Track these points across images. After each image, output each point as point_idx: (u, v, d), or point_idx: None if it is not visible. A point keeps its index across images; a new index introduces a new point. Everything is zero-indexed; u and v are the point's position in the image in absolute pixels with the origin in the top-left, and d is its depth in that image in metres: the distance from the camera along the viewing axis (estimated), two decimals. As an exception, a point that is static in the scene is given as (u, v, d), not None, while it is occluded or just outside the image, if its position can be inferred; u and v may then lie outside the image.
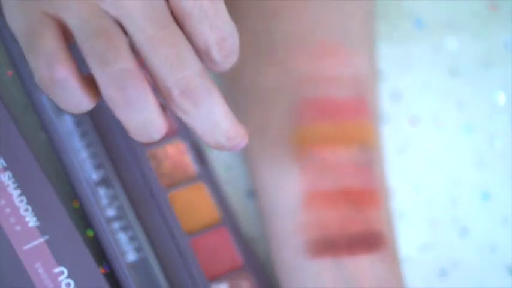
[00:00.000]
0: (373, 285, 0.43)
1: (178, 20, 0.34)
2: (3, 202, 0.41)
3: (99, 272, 0.41)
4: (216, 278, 0.45)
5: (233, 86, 0.47)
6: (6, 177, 0.41)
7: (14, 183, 0.41)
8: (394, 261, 0.45)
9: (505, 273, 0.51)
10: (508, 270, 0.51)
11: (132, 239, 0.43)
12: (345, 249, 0.44)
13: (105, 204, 0.43)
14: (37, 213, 0.41)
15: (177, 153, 0.47)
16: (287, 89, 0.45)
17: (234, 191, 0.49)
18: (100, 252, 0.43)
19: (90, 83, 0.34)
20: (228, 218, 0.46)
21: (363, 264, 0.44)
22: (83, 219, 0.44)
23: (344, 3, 0.46)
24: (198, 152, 0.47)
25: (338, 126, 0.46)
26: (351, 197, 0.45)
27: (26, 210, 0.41)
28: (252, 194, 0.49)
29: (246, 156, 0.47)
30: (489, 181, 0.52)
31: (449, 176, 0.52)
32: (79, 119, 0.44)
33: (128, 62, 0.33)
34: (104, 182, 0.44)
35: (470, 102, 0.53)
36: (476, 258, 0.51)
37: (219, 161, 0.49)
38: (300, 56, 0.46)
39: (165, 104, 0.45)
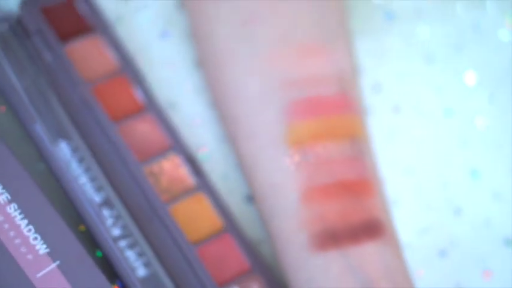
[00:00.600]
0: (380, 271, 0.45)
1: None
2: (12, 233, 0.41)
3: (113, 289, 0.42)
4: (226, 283, 0.46)
5: (220, 96, 0.48)
6: (12, 209, 0.42)
7: (20, 214, 0.42)
8: (396, 246, 0.46)
9: (502, 245, 0.52)
10: (505, 242, 0.52)
11: (140, 254, 0.44)
12: (348, 239, 0.45)
13: (111, 224, 0.44)
14: (46, 240, 0.42)
15: (173, 168, 0.48)
16: (274, 94, 0.47)
17: (233, 198, 0.50)
18: (111, 271, 0.44)
19: None
20: (230, 224, 0.47)
21: (367, 252, 0.45)
22: (91, 241, 0.44)
23: (319, 1, 0.48)
24: (194, 164, 0.48)
25: (327, 123, 0.47)
26: (347, 189, 0.46)
27: (35, 238, 0.42)
28: (251, 198, 0.50)
29: (241, 162, 0.48)
30: (476, 159, 0.53)
31: (437, 159, 0.53)
32: (75, 145, 0.45)
33: None
34: (107, 203, 0.45)
35: (447, 86, 0.54)
36: (473, 235, 0.52)
37: (215, 171, 0.50)
38: (281, 60, 0.47)
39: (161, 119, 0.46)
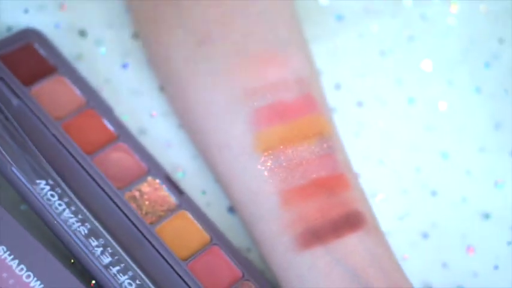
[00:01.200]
0: (366, 259, 0.46)
1: None
2: (5, 275, 0.42)
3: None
4: (222, 294, 0.47)
5: (187, 115, 0.50)
6: (2, 252, 0.43)
7: (10, 255, 0.43)
8: (378, 234, 0.48)
9: (481, 220, 0.54)
10: (483, 217, 0.54)
11: (134, 278, 0.45)
12: (331, 234, 0.46)
13: (100, 253, 0.45)
14: (40, 277, 0.43)
15: (153, 190, 0.49)
16: (238, 105, 0.48)
17: (215, 211, 0.51)
18: (107, 298, 0.45)
19: None
20: (216, 236, 0.48)
21: (351, 243, 0.46)
22: (83, 271, 0.45)
23: (268, 11, 0.49)
24: (173, 183, 0.49)
25: (293, 126, 0.48)
26: (322, 186, 0.47)
27: (28, 276, 0.43)
28: (232, 209, 0.51)
29: (217, 175, 0.50)
30: (444, 141, 0.55)
31: (406, 146, 0.55)
32: (54, 182, 0.46)
33: None
34: (93, 233, 0.46)
35: (406, 76, 0.56)
36: (451, 214, 0.54)
37: (194, 188, 0.51)
38: (240, 72, 0.48)
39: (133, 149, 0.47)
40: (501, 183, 0.54)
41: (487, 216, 0.54)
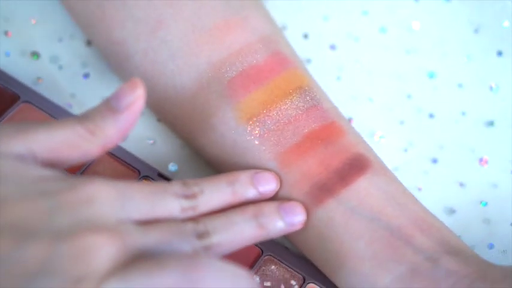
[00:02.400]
0: (381, 199, 0.44)
1: None
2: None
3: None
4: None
5: (164, 107, 0.48)
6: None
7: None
8: (386, 172, 0.46)
9: (486, 128, 0.52)
10: (486, 124, 0.52)
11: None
12: (339, 184, 0.44)
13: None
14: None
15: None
16: (210, 81, 0.46)
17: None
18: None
19: None
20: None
21: (361, 187, 0.44)
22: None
23: None
24: (167, 179, 0.47)
25: (270, 87, 0.46)
26: (317, 139, 0.46)
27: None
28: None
29: (208, 159, 0.48)
30: (428, 61, 0.53)
31: (391, 76, 0.53)
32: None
33: None
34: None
35: (371, 6, 0.54)
36: (455, 131, 0.52)
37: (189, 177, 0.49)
38: (203, 48, 0.46)
39: None
40: (496, 87, 0.53)
41: (491, 123, 0.52)
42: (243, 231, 0.42)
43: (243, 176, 0.44)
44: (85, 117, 0.41)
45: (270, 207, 0.44)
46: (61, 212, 0.37)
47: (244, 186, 0.44)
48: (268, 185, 0.44)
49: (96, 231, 0.37)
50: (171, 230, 0.40)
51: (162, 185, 0.42)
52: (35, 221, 0.37)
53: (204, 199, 0.42)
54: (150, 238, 0.39)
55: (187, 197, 0.42)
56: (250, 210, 0.43)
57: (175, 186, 0.42)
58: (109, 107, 0.41)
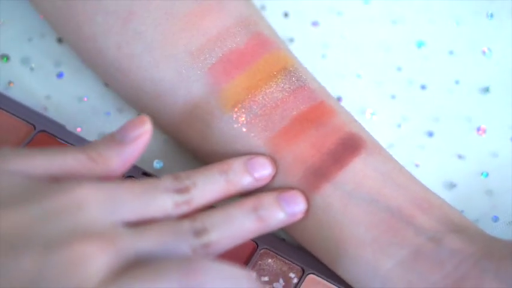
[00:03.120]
0: (378, 180, 0.42)
1: None
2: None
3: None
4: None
5: (143, 101, 0.46)
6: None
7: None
8: (381, 151, 0.44)
9: (481, 95, 0.50)
10: (481, 91, 0.50)
11: None
12: (333, 166, 0.42)
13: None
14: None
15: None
16: (189, 71, 0.44)
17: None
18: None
19: None
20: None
21: (357, 169, 0.42)
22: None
23: None
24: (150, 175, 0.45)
25: (253, 70, 0.44)
26: (307, 120, 0.43)
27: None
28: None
29: (195, 151, 0.46)
30: (415, 29, 0.51)
31: (379, 49, 0.51)
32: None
33: None
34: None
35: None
36: (450, 101, 0.50)
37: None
38: (179, 36, 0.44)
39: None
40: (488, 51, 0.50)
41: (486, 89, 0.50)
42: (243, 225, 0.40)
43: (236, 164, 0.42)
44: (88, 146, 0.40)
45: (269, 198, 0.42)
46: (50, 220, 0.36)
47: (239, 174, 0.42)
48: (263, 170, 0.42)
49: (87, 239, 0.35)
50: (166, 230, 0.38)
51: (152, 182, 0.40)
52: (24, 231, 0.35)
53: (198, 192, 0.40)
54: (145, 241, 0.37)
55: (180, 191, 0.40)
56: (249, 202, 0.41)
57: (166, 181, 0.40)
58: (114, 139, 0.40)
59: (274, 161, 0.43)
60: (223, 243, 0.39)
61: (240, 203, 0.41)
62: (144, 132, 0.40)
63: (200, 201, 0.40)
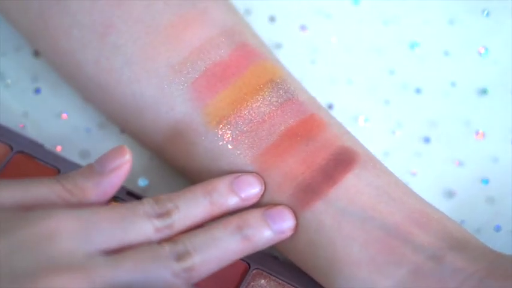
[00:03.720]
0: (372, 196, 0.40)
1: None
2: None
3: None
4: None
5: (125, 117, 0.44)
6: None
7: None
8: (375, 164, 0.42)
9: (478, 97, 0.48)
10: (479, 92, 0.48)
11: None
12: (324, 183, 0.40)
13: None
14: None
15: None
16: (171, 87, 0.42)
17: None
18: None
19: None
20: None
21: (350, 185, 0.40)
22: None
23: None
24: (137, 197, 0.43)
25: (238, 83, 0.42)
26: (296, 135, 0.41)
27: None
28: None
29: (181, 169, 0.44)
30: (408, 29, 0.49)
31: (370, 51, 0.49)
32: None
33: None
34: None
35: None
36: (446, 104, 0.48)
37: (162, 190, 0.45)
38: (159, 50, 0.42)
39: None
40: (485, 51, 0.48)
41: (484, 91, 0.48)
42: (228, 246, 0.38)
43: (221, 184, 0.40)
44: (64, 177, 0.38)
45: (255, 215, 0.40)
46: (19, 252, 0.34)
47: (224, 195, 0.40)
48: (251, 189, 0.40)
49: (59, 272, 0.34)
50: (145, 256, 0.36)
51: (131, 207, 0.38)
52: None
53: (180, 216, 0.38)
54: (122, 269, 0.35)
55: (161, 215, 0.38)
56: (233, 221, 0.39)
57: (146, 206, 0.38)
58: (92, 169, 0.38)
59: (262, 179, 0.41)
60: (208, 266, 0.38)
61: (224, 223, 0.39)
62: (124, 163, 0.38)
63: (182, 225, 0.39)
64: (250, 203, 0.40)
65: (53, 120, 0.46)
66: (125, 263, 0.35)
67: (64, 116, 0.46)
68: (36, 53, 0.47)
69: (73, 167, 0.44)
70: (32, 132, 0.46)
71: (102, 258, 0.35)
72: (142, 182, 0.45)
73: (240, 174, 0.41)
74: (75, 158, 0.45)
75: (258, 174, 0.41)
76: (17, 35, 0.47)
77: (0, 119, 0.46)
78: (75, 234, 0.35)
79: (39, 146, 0.45)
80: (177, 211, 0.38)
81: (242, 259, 0.42)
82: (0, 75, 0.47)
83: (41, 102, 0.47)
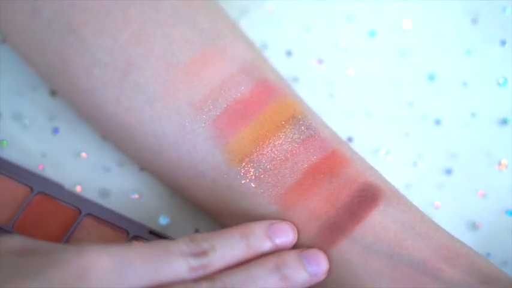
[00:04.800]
0: (399, 232, 0.40)
1: None
2: None
3: None
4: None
5: (146, 156, 0.43)
6: None
7: None
8: (400, 199, 0.41)
9: (499, 127, 0.47)
10: (499, 123, 0.47)
11: None
12: (349, 221, 0.40)
13: None
14: None
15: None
16: (192, 125, 0.42)
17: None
18: None
19: None
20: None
21: (376, 221, 0.40)
22: None
23: (180, 9, 0.42)
24: (159, 236, 0.43)
25: (261, 120, 0.42)
26: (319, 173, 0.41)
27: None
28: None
29: (202, 207, 0.43)
30: (425, 61, 0.49)
31: (388, 84, 0.48)
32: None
33: None
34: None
35: (356, 11, 0.49)
36: (467, 134, 0.48)
37: (184, 231, 0.45)
38: (179, 89, 0.42)
39: None
40: (503, 80, 0.48)
41: (504, 121, 0.47)
42: (266, 285, 0.38)
43: (258, 229, 0.40)
44: None
45: (292, 256, 0.39)
46: None
47: (260, 240, 0.39)
48: (285, 237, 0.40)
49: None
50: None
51: (165, 244, 0.37)
52: None
53: (216, 256, 0.38)
54: None
55: (197, 255, 0.37)
56: (272, 260, 0.39)
57: (181, 244, 0.38)
58: None
59: (295, 228, 0.40)
60: None
61: (262, 262, 0.39)
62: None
63: (218, 265, 0.38)
64: (283, 249, 0.40)
65: (72, 159, 0.46)
66: None
67: (83, 155, 0.46)
68: (53, 92, 0.47)
69: (93, 206, 0.44)
70: (51, 172, 0.45)
71: None
72: (163, 221, 0.45)
73: (275, 221, 0.40)
74: (95, 197, 0.45)
75: (279, 215, 0.41)
76: (33, 74, 0.47)
77: (20, 160, 0.45)
78: (109, 272, 0.35)
79: (59, 187, 0.44)
80: (213, 251, 0.38)
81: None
82: (17, 115, 0.47)
83: (59, 142, 0.46)
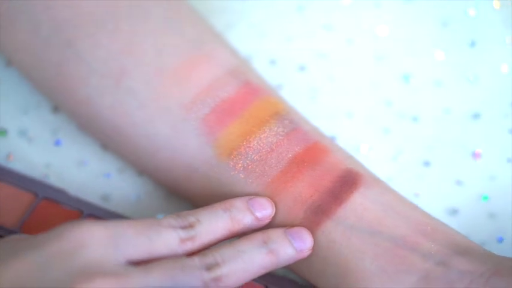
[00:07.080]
0: (379, 212, 0.42)
1: None
2: None
3: None
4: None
5: (139, 155, 0.46)
6: None
7: None
8: (379, 183, 0.44)
9: (472, 121, 0.50)
10: (473, 117, 0.50)
11: None
12: (333, 203, 0.43)
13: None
14: None
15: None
16: (183, 125, 0.45)
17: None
18: None
19: None
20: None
21: (356, 203, 0.43)
22: None
23: (168, 18, 0.46)
24: None
25: (246, 117, 0.45)
26: (303, 161, 0.44)
27: None
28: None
29: (197, 202, 0.46)
30: (400, 63, 0.52)
31: (366, 85, 0.51)
32: None
33: None
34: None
35: (331, 19, 0.53)
36: (443, 128, 0.50)
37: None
38: (170, 89, 0.45)
39: None
40: (474, 78, 0.51)
41: (477, 115, 0.50)
42: (254, 259, 0.41)
43: (239, 202, 0.43)
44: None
45: (278, 232, 0.42)
46: (52, 264, 0.36)
47: (242, 212, 0.42)
48: (264, 210, 0.43)
49: (92, 279, 0.36)
50: (176, 266, 0.38)
51: (154, 219, 0.40)
52: (25, 280, 0.36)
53: (203, 228, 0.41)
54: (153, 278, 0.37)
55: (184, 227, 0.40)
56: (258, 236, 0.41)
57: (169, 219, 0.40)
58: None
59: (273, 202, 0.43)
60: (235, 277, 0.40)
61: (249, 237, 0.41)
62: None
63: (205, 237, 0.41)
64: (263, 223, 0.43)
65: (74, 168, 0.49)
66: (155, 271, 0.37)
67: (84, 163, 0.49)
68: (56, 108, 0.50)
69: (95, 209, 0.47)
70: (54, 181, 0.48)
71: (131, 267, 0.37)
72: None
73: (253, 196, 0.43)
74: (96, 201, 0.48)
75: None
76: (37, 93, 0.50)
77: (25, 171, 0.48)
78: (105, 242, 0.38)
79: (62, 192, 0.47)
80: (199, 224, 0.41)
81: (259, 282, 0.44)
82: (22, 132, 0.50)
83: (62, 153, 0.49)
